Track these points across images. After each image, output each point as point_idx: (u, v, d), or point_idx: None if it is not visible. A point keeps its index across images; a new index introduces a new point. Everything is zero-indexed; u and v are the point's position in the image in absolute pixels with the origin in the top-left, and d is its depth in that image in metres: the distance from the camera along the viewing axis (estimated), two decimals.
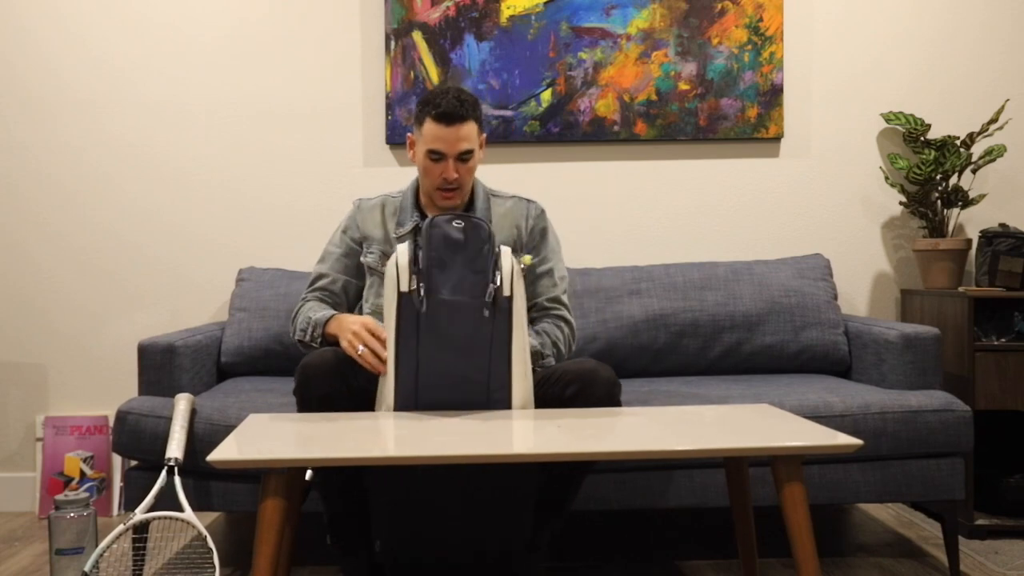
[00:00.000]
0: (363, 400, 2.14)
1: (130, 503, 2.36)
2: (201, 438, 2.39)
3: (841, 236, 3.27)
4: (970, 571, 2.50)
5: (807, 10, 3.26)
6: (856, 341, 2.84)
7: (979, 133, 3.07)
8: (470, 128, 2.29)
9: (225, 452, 1.68)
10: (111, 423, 3.08)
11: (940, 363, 2.58)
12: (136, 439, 2.41)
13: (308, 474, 2.30)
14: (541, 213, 2.47)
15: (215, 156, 3.27)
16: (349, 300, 2.44)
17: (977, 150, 3.22)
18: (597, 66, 3.21)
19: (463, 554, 2.16)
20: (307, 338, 2.29)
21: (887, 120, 3.18)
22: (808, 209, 3.27)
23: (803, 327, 2.88)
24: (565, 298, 2.43)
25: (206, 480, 2.41)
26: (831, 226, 3.27)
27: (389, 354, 2.06)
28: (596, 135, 3.22)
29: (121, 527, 2.19)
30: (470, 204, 2.41)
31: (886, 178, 3.17)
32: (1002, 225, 2.98)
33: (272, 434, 1.85)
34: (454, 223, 2.09)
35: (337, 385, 2.10)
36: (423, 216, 2.38)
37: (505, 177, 3.10)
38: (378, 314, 2.34)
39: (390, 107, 3.22)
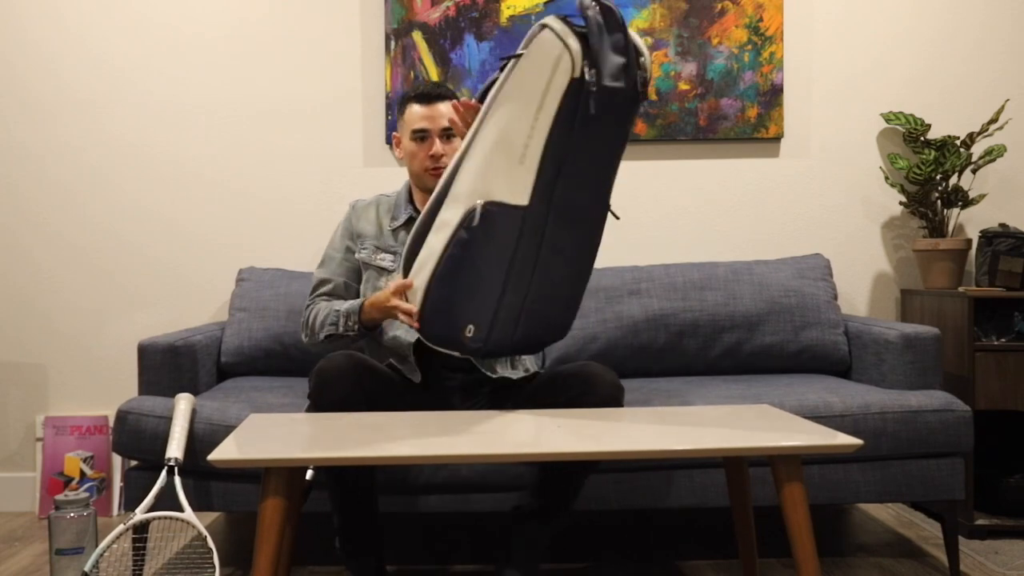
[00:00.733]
0: (378, 404, 2.14)
1: (130, 503, 2.36)
2: (201, 438, 2.39)
3: (841, 236, 3.27)
4: (970, 571, 2.50)
5: (807, 10, 3.26)
6: (856, 341, 2.84)
7: (979, 133, 3.07)
8: (450, 107, 2.30)
9: (225, 452, 1.68)
10: (111, 423, 3.08)
11: (940, 363, 2.58)
12: (136, 439, 2.41)
13: (308, 473, 2.30)
14: None
15: (215, 156, 3.27)
16: (364, 282, 2.47)
17: (977, 150, 3.23)
18: None
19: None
20: (340, 329, 2.30)
21: (887, 120, 3.18)
22: (808, 209, 3.27)
23: (803, 327, 2.88)
24: None
25: (206, 480, 2.41)
26: (831, 226, 3.27)
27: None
28: None
29: (121, 527, 2.19)
30: None
31: (886, 178, 3.17)
32: (1002, 225, 2.98)
33: (272, 434, 1.85)
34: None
35: (353, 389, 2.10)
36: (416, 210, 2.43)
37: None
38: None
39: (390, 107, 3.22)
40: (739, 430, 1.85)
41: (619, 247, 3.24)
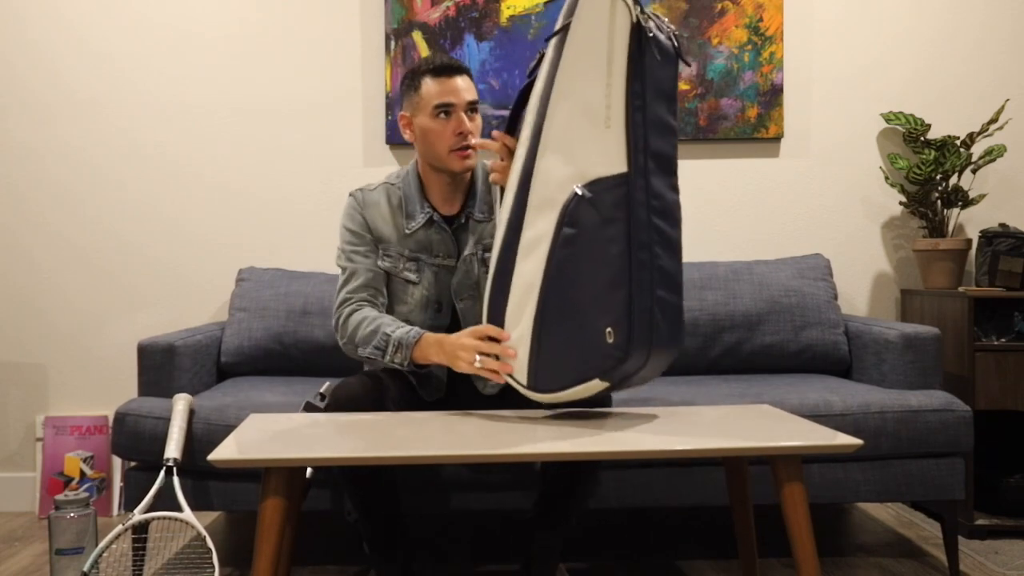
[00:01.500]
0: None
1: (130, 503, 2.36)
2: (199, 438, 2.39)
3: (841, 236, 3.27)
4: (970, 571, 2.50)
5: (807, 10, 3.26)
6: (856, 341, 2.84)
7: (979, 133, 3.07)
8: (470, 81, 2.20)
9: (225, 452, 1.68)
10: (111, 423, 3.08)
11: (940, 363, 2.58)
12: (135, 440, 2.41)
13: (308, 471, 2.30)
14: None
15: (215, 156, 3.27)
16: (387, 294, 2.28)
17: (977, 150, 3.23)
18: None
19: None
20: (385, 359, 2.10)
21: (887, 120, 3.18)
22: (808, 209, 3.27)
23: (803, 327, 2.88)
24: None
25: (205, 480, 2.41)
26: (831, 226, 3.27)
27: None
28: None
29: (120, 527, 2.19)
30: (471, 185, 2.29)
31: (886, 178, 3.17)
32: (1002, 225, 2.98)
33: (272, 434, 1.85)
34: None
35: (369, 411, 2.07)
36: (433, 208, 2.24)
37: None
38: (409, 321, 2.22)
39: (390, 107, 3.22)
40: (739, 430, 1.85)
41: None
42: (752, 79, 3.21)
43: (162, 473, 2.28)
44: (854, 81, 3.27)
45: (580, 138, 1.84)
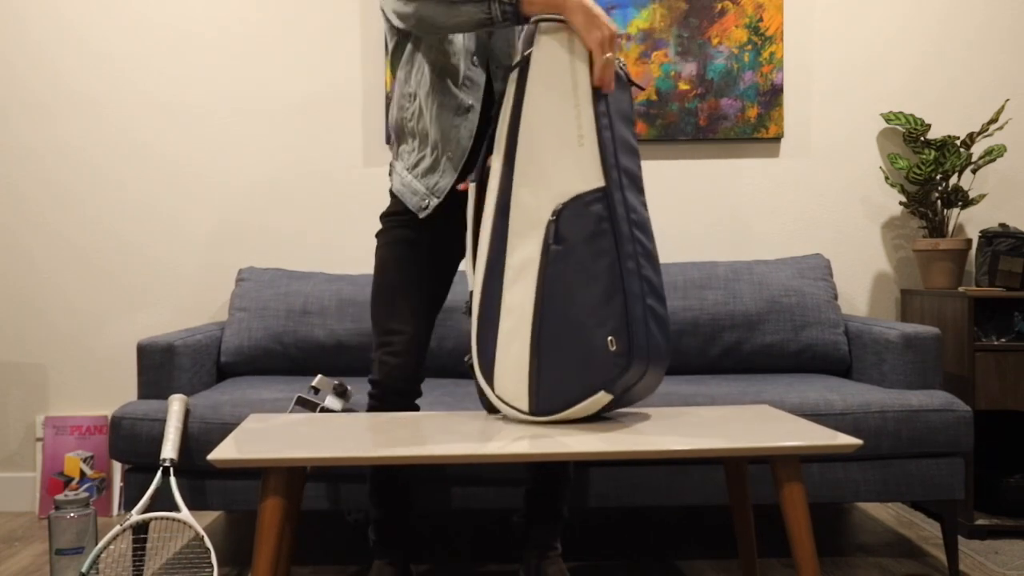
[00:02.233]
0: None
1: (130, 503, 2.36)
2: (196, 437, 2.39)
3: (841, 236, 3.27)
4: (970, 571, 2.50)
5: (807, 10, 3.26)
6: (856, 341, 2.84)
7: (979, 133, 3.07)
8: None
9: (225, 452, 1.68)
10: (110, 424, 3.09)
11: (940, 363, 2.58)
12: (132, 443, 2.41)
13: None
14: None
15: (215, 155, 3.27)
16: None
17: (977, 150, 3.23)
18: None
19: None
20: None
21: (887, 120, 3.18)
22: (808, 209, 3.27)
23: (803, 327, 2.88)
24: None
25: (202, 479, 2.41)
26: (831, 226, 3.27)
27: None
28: None
29: (117, 528, 2.19)
30: None
31: (886, 178, 3.17)
32: (1002, 225, 2.98)
33: (272, 434, 1.85)
34: None
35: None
36: None
37: None
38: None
39: (390, 107, 3.21)
40: (739, 430, 1.85)
41: None
42: (752, 79, 3.21)
43: (159, 473, 2.28)
44: (854, 81, 3.27)
45: (555, 159, 1.91)
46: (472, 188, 2.06)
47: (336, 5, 3.25)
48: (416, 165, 2.14)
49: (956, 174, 3.11)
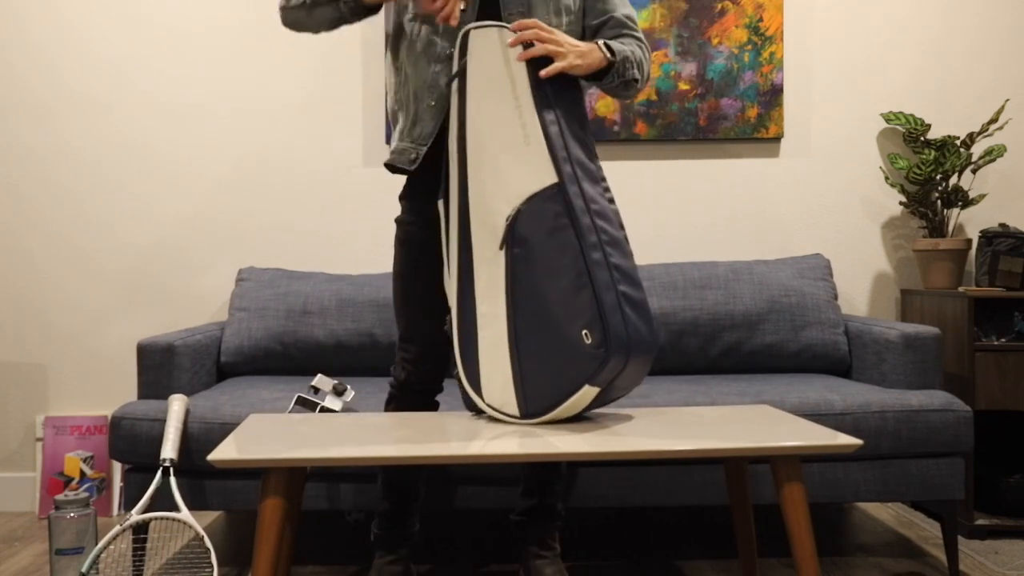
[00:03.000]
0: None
1: (130, 503, 2.36)
2: (196, 437, 2.39)
3: (841, 236, 3.27)
4: (970, 571, 2.50)
5: (807, 10, 3.26)
6: (856, 341, 2.84)
7: (979, 133, 3.07)
8: None
9: (225, 452, 1.68)
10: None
11: (940, 363, 2.58)
12: (132, 443, 2.41)
13: None
14: None
15: (215, 156, 3.27)
16: None
17: (977, 150, 3.23)
18: None
19: None
20: None
21: (887, 120, 3.18)
22: (808, 209, 3.27)
23: (803, 326, 2.88)
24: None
25: (202, 479, 2.41)
26: (831, 226, 3.27)
27: None
28: (596, 135, 3.22)
29: (117, 528, 2.19)
30: None
31: (886, 178, 3.17)
32: (1002, 225, 2.98)
33: (272, 434, 1.85)
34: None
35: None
36: None
37: None
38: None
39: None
40: (739, 430, 1.85)
41: None
42: (752, 79, 3.21)
43: (159, 473, 2.28)
44: (854, 81, 3.27)
45: (505, 163, 1.91)
46: (440, 206, 2.06)
47: None
48: (402, 130, 2.13)
49: (956, 174, 3.11)
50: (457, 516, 3.10)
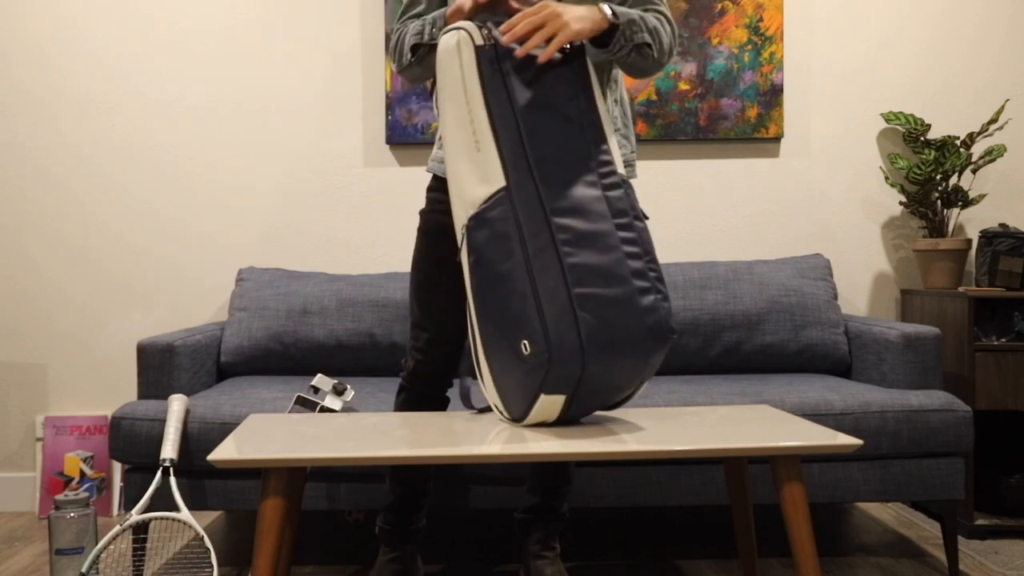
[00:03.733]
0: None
1: (130, 503, 2.36)
2: (196, 437, 2.39)
3: (841, 236, 3.27)
4: (970, 571, 2.50)
5: (807, 10, 3.26)
6: (856, 341, 2.84)
7: (979, 133, 3.07)
8: None
9: (225, 452, 1.68)
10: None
11: (940, 363, 2.58)
12: (132, 444, 2.41)
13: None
14: None
15: (215, 155, 3.27)
16: None
17: (977, 150, 3.23)
18: None
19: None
20: (425, 38, 2.01)
21: (887, 120, 3.18)
22: (808, 209, 3.27)
23: (803, 326, 2.88)
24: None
25: (202, 479, 2.41)
26: (831, 226, 3.27)
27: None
28: None
29: (117, 528, 2.19)
30: None
31: (886, 178, 3.17)
32: (1002, 225, 2.98)
33: (272, 434, 1.85)
34: None
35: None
36: None
37: None
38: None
39: (390, 107, 3.22)
40: (739, 430, 1.85)
41: None
42: (752, 79, 3.21)
43: (159, 473, 2.28)
44: (854, 81, 3.27)
45: (464, 172, 1.88)
46: None
47: (336, 5, 3.25)
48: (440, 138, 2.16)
49: (956, 174, 3.11)
50: (457, 515, 3.10)
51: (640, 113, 3.21)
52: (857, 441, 1.74)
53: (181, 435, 2.35)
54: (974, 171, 3.12)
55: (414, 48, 2.02)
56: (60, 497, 2.27)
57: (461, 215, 1.90)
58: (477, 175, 1.85)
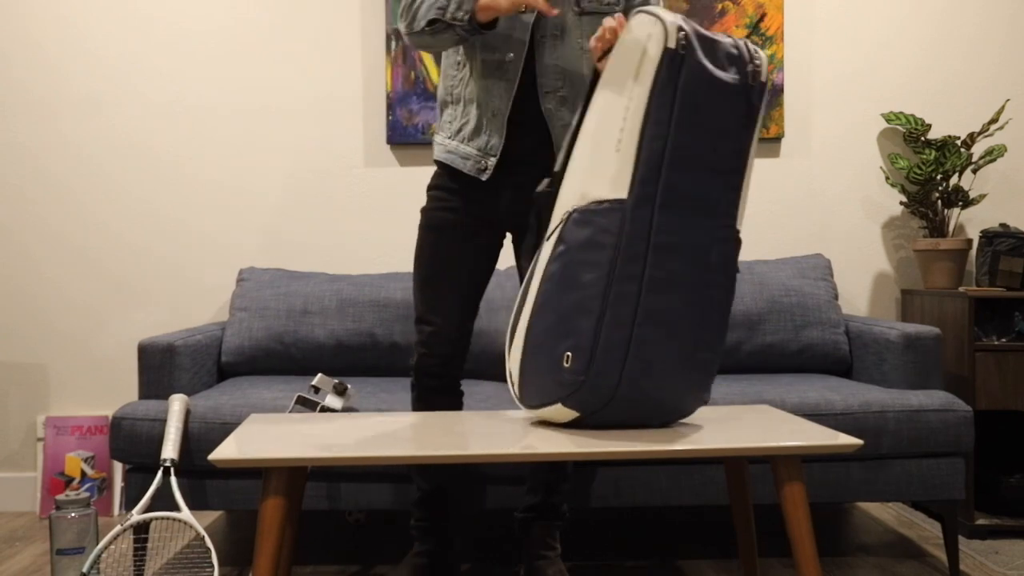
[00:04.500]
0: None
1: (131, 503, 2.36)
2: (196, 437, 2.39)
3: (841, 236, 3.27)
4: (970, 571, 2.50)
5: (807, 10, 3.26)
6: (857, 341, 2.84)
7: (979, 133, 3.07)
8: None
9: (225, 452, 1.68)
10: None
11: (940, 363, 2.58)
12: (132, 444, 2.41)
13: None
14: None
15: (216, 156, 3.27)
16: None
17: (977, 150, 3.23)
18: None
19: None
20: (447, 15, 1.97)
21: (887, 120, 3.18)
22: (808, 209, 3.27)
23: (803, 326, 2.88)
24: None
25: (203, 479, 2.41)
26: (831, 226, 3.27)
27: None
28: None
29: (118, 528, 2.19)
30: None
31: (886, 178, 3.17)
32: (1002, 225, 2.98)
33: (272, 434, 1.85)
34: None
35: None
36: None
37: None
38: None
39: (391, 107, 3.22)
40: (739, 430, 1.85)
41: None
42: None
43: (159, 473, 2.28)
44: (854, 81, 3.27)
45: (592, 159, 1.81)
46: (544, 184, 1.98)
47: (336, 5, 3.25)
48: (459, 131, 2.16)
49: (956, 174, 3.11)
50: (460, 516, 3.09)
51: None
52: (857, 441, 1.74)
53: (182, 435, 2.35)
54: (974, 171, 3.12)
55: (432, 21, 2.00)
56: (61, 497, 2.27)
57: (567, 197, 1.84)
58: (603, 172, 1.77)
